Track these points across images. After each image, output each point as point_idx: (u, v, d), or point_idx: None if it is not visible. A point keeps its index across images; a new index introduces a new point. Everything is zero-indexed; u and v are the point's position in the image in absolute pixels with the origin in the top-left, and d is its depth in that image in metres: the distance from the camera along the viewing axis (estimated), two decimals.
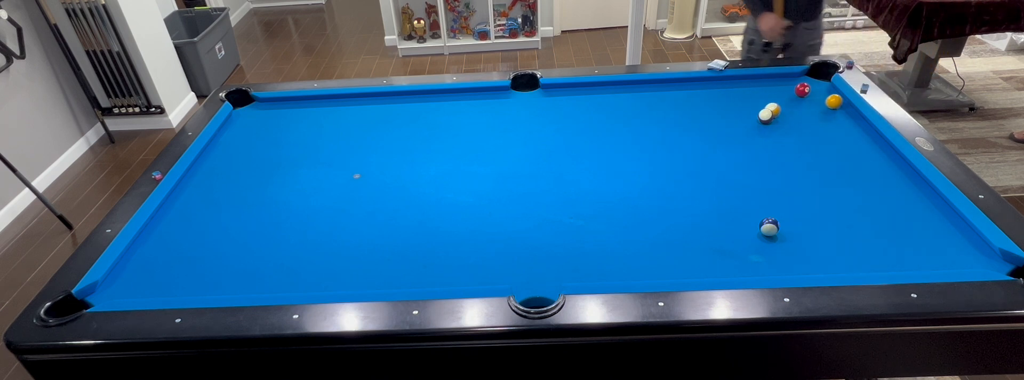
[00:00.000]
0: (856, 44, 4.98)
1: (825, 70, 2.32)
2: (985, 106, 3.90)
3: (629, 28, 3.59)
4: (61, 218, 3.40)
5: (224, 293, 1.48)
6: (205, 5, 5.61)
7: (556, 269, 1.50)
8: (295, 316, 1.35)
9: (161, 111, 4.30)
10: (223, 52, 5.03)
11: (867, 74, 3.79)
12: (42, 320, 1.37)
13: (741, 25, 5.29)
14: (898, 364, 1.39)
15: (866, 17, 4.93)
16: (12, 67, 3.55)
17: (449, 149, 2.04)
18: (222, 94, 2.40)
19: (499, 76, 2.43)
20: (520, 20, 5.32)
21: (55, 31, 3.81)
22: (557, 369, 1.39)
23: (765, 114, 2.06)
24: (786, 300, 1.31)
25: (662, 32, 5.47)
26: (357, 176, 1.93)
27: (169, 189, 1.86)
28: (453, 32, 5.38)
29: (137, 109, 4.29)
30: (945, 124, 3.75)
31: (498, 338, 1.32)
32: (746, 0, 2.82)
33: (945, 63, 4.16)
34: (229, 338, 1.32)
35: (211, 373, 1.40)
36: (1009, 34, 4.53)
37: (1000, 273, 1.38)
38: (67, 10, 3.82)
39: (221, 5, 5.82)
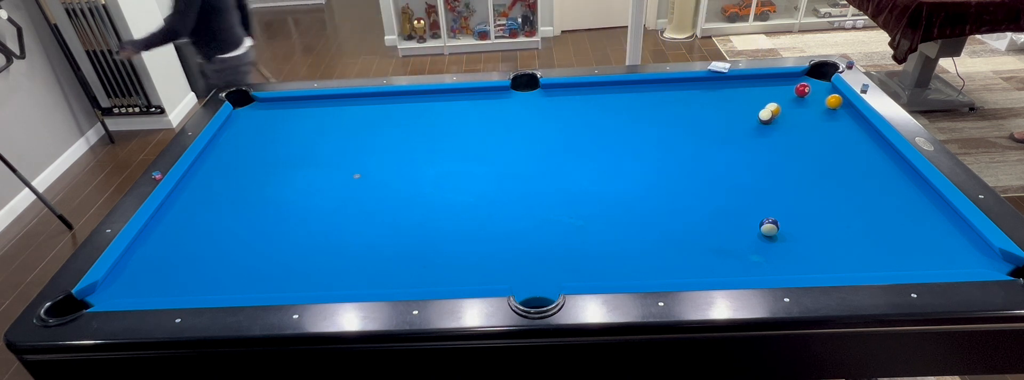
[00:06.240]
0: (856, 44, 4.98)
1: (825, 70, 2.32)
2: (985, 106, 3.90)
3: (629, 28, 3.59)
4: (61, 218, 3.40)
5: (224, 293, 1.48)
6: None
7: (556, 269, 1.50)
8: (295, 316, 1.35)
9: (161, 111, 4.30)
10: None
11: (867, 74, 3.80)
12: (42, 320, 1.37)
13: (741, 25, 5.30)
14: (898, 364, 1.39)
15: (866, 17, 4.94)
16: (12, 67, 3.55)
17: (449, 149, 2.04)
18: (222, 94, 2.40)
19: (499, 76, 2.43)
20: (520, 20, 5.32)
21: (55, 31, 3.81)
22: (557, 369, 1.38)
23: (765, 114, 2.06)
24: (786, 300, 1.31)
25: (662, 32, 5.47)
26: (357, 176, 1.93)
27: (169, 189, 1.86)
28: (453, 32, 5.38)
29: (137, 109, 4.29)
30: (945, 124, 3.75)
31: (498, 338, 1.32)
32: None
33: (945, 63, 4.16)
34: (229, 338, 1.32)
35: (211, 373, 1.40)
36: (1009, 34, 4.53)
37: (1000, 273, 1.38)
38: (67, 10, 3.82)
39: None
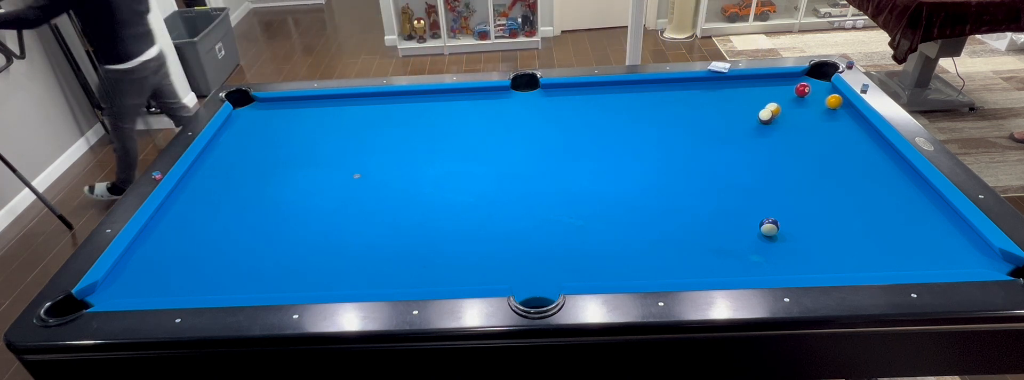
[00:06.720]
0: (856, 44, 4.98)
1: (825, 70, 2.32)
2: (985, 106, 3.90)
3: (629, 28, 3.59)
4: (61, 218, 3.40)
5: (224, 293, 1.48)
6: (205, 5, 5.61)
7: (556, 269, 1.50)
8: (295, 316, 1.35)
9: (161, 111, 4.30)
10: (223, 52, 5.03)
11: (867, 74, 3.80)
12: (42, 320, 1.37)
13: (742, 25, 5.30)
14: (898, 364, 1.39)
15: (866, 17, 4.94)
16: (12, 67, 3.55)
17: (449, 149, 2.05)
18: (222, 94, 2.40)
19: (499, 76, 2.43)
20: (520, 20, 5.32)
21: (55, 31, 3.81)
22: (557, 369, 1.39)
23: (765, 114, 2.06)
24: (786, 300, 1.31)
25: (662, 32, 5.47)
26: (357, 176, 1.93)
27: (169, 189, 1.86)
28: (453, 32, 5.38)
29: None
30: (945, 124, 3.75)
31: (498, 338, 1.32)
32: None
33: (945, 63, 4.16)
34: (229, 338, 1.32)
35: (211, 373, 1.40)
36: (1009, 34, 4.53)
37: (1000, 273, 1.38)
38: None
39: (221, 5, 5.82)
